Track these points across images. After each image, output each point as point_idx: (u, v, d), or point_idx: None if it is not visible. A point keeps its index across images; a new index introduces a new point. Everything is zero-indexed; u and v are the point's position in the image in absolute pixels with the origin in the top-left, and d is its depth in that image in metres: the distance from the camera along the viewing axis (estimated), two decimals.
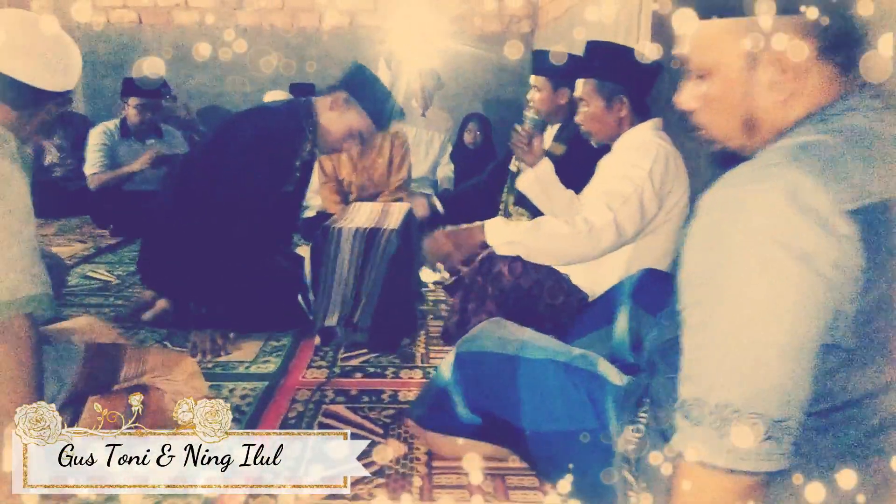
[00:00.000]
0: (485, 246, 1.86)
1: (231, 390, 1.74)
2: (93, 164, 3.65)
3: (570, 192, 2.01)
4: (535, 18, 4.74)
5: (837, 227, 0.69)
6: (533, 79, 2.46)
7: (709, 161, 1.99)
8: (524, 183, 2.07)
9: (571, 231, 1.72)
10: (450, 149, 4.08)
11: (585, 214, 1.74)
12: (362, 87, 2.07)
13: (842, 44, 0.80)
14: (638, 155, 1.78)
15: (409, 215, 2.38)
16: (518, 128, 2.08)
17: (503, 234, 1.82)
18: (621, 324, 1.34)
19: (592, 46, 1.96)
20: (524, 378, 1.06)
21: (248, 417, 1.59)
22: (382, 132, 2.96)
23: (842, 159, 0.73)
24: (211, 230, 1.94)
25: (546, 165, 2.01)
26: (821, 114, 0.80)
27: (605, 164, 1.96)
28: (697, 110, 0.89)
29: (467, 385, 1.13)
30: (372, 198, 3.37)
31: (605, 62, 1.86)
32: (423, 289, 2.67)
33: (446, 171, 4.08)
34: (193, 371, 1.42)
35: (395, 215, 2.29)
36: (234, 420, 1.56)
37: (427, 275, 2.73)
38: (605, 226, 1.70)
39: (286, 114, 2.10)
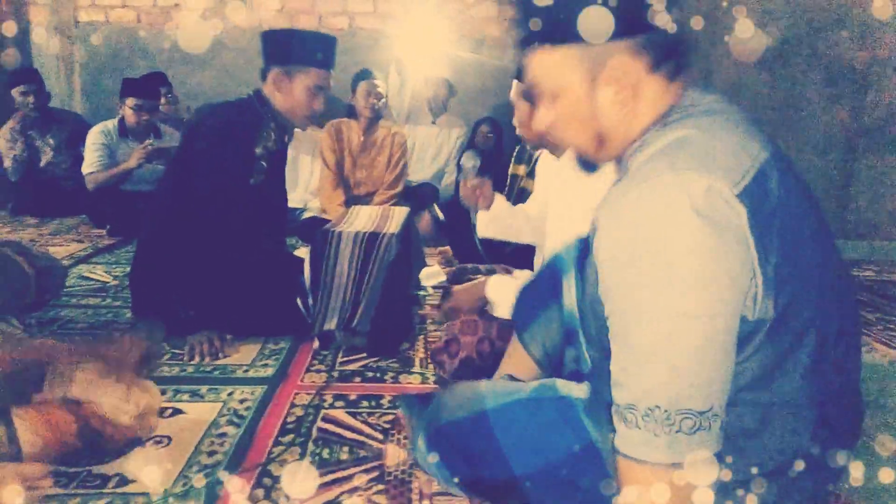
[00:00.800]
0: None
1: (230, 394, 1.73)
2: (90, 163, 3.64)
3: (524, 211, 2.12)
4: None
5: (732, 215, 0.75)
6: (515, 91, 1.97)
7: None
8: (483, 229, 2.17)
9: None
10: (458, 157, 4.11)
11: None
12: (288, 51, 2.03)
13: (670, 55, 0.87)
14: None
15: (409, 219, 2.39)
16: (464, 183, 2.14)
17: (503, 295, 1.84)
18: (569, 295, 1.28)
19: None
20: (498, 428, 1.03)
21: (247, 422, 1.58)
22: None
23: (710, 148, 0.79)
24: (191, 230, 1.96)
25: (498, 204, 2.11)
26: (663, 119, 0.87)
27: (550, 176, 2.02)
28: (552, 130, 0.95)
29: (448, 461, 1.09)
30: (370, 194, 3.46)
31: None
32: (422, 293, 2.67)
33: (451, 179, 4.10)
34: (149, 408, 1.43)
35: (394, 219, 2.29)
36: (233, 425, 1.57)
37: (426, 279, 2.74)
38: None
39: (240, 106, 2.10)
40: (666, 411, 0.75)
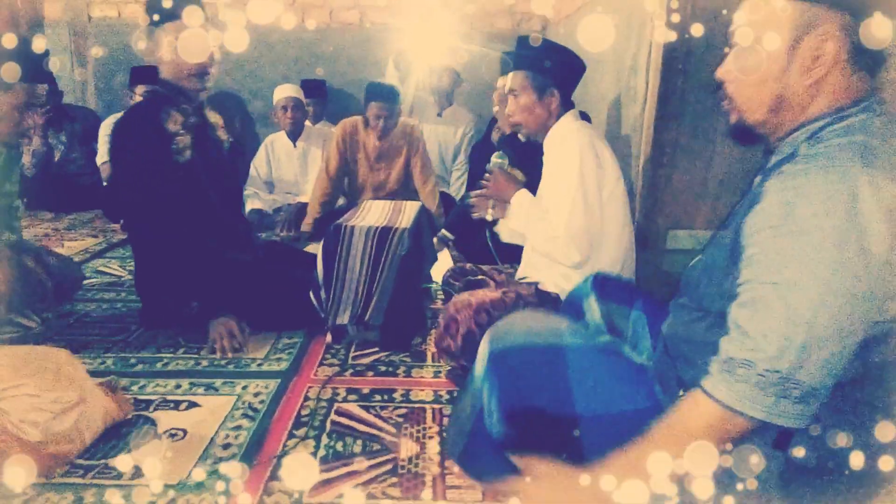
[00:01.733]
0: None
1: (244, 387, 1.74)
2: (104, 154, 3.68)
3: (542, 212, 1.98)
4: (545, 17, 4.72)
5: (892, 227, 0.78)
6: (511, 79, 1.96)
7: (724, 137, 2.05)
8: (508, 236, 2.10)
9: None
10: (468, 150, 3.99)
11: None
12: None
13: (869, 51, 0.88)
14: (566, 157, 1.83)
15: (421, 214, 2.39)
16: (488, 176, 2.01)
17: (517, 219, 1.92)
18: (593, 311, 1.36)
19: (522, 39, 1.97)
20: (573, 365, 1.05)
21: (262, 415, 1.60)
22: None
23: (891, 160, 0.81)
24: (152, 223, 1.99)
25: (518, 197, 1.95)
26: (837, 112, 0.89)
27: (548, 174, 1.97)
28: (731, 81, 0.97)
29: (504, 385, 1.07)
30: (389, 197, 3.22)
31: (538, 54, 1.91)
32: (433, 286, 2.67)
33: (457, 175, 4.02)
34: (89, 416, 1.35)
35: (407, 214, 2.30)
36: (247, 418, 1.58)
37: (438, 274, 2.74)
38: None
39: (147, 96, 2.13)
40: (784, 377, 0.81)
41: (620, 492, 0.89)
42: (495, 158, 2.09)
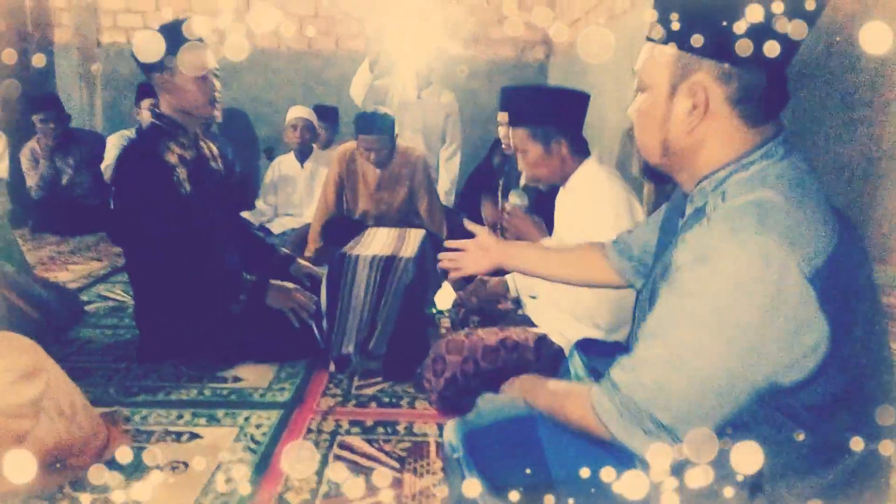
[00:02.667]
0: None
1: (246, 419, 1.73)
2: (109, 160, 3.72)
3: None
4: (549, 45, 4.78)
5: (799, 295, 0.79)
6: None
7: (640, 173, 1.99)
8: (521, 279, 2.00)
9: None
10: (454, 132, 3.88)
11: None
12: (156, 50, 1.97)
13: (753, 98, 0.87)
14: (600, 207, 1.74)
15: (425, 241, 2.39)
16: (507, 216, 1.95)
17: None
18: (577, 367, 1.33)
19: (509, 94, 1.87)
20: (544, 430, 1.04)
21: (264, 448, 1.58)
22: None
23: (794, 222, 0.82)
24: (157, 255, 2.00)
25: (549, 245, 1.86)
26: (738, 160, 0.89)
27: (573, 221, 1.86)
28: (634, 123, 1.00)
29: (483, 464, 1.06)
30: (393, 224, 3.09)
31: (531, 107, 1.80)
32: (437, 313, 2.66)
33: (451, 167, 3.86)
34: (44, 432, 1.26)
35: (411, 242, 2.30)
36: (249, 451, 1.57)
37: (441, 301, 2.73)
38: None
39: (145, 130, 2.14)
40: (639, 408, 0.85)
41: (620, 483, 0.89)
42: (514, 199, 2.00)
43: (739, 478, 0.85)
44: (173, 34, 1.97)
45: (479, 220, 3.18)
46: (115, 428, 1.53)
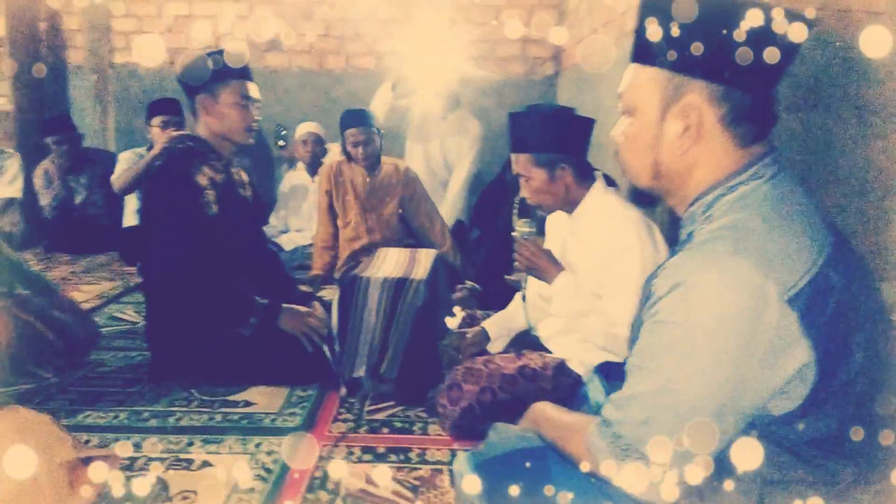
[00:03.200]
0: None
1: (257, 445, 1.72)
2: (118, 172, 3.74)
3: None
4: (559, 61, 4.78)
5: (778, 319, 0.78)
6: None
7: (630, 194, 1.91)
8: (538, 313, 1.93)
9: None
10: (469, 178, 3.81)
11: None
12: (205, 74, 2.05)
13: (748, 120, 0.87)
14: (620, 235, 1.69)
15: (437, 262, 2.37)
16: (518, 250, 1.86)
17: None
18: (596, 391, 1.30)
19: (512, 118, 1.81)
20: (554, 463, 1.02)
21: (275, 476, 1.56)
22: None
23: (771, 245, 0.81)
24: (178, 272, 2.01)
25: (561, 279, 1.77)
26: (727, 182, 0.88)
27: (591, 252, 1.79)
28: (619, 144, 0.98)
29: (494, 497, 1.04)
30: (387, 241, 3.05)
31: (534, 132, 1.75)
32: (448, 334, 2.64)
33: (454, 185, 3.75)
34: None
35: (422, 264, 2.28)
36: (259, 479, 1.55)
37: (452, 322, 2.71)
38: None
39: (178, 150, 2.18)
40: (627, 445, 0.85)
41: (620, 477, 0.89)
42: (523, 227, 1.92)
43: None
44: (222, 60, 2.04)
45: (491, 234, 3.18)
46: (78, 474, 1.40)
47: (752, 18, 0.82)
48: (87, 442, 1.72)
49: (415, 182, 3.21)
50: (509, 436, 1.13)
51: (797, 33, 0.83)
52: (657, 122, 0.90)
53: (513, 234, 1.89)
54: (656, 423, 0.83)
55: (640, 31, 0.90)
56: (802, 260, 0.80)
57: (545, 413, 1.10)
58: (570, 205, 1.80)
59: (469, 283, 2.86)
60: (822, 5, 2.58)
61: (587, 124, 1.81)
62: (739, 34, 0.82)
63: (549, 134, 1.75)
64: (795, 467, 0.85)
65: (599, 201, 1.77)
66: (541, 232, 1.98)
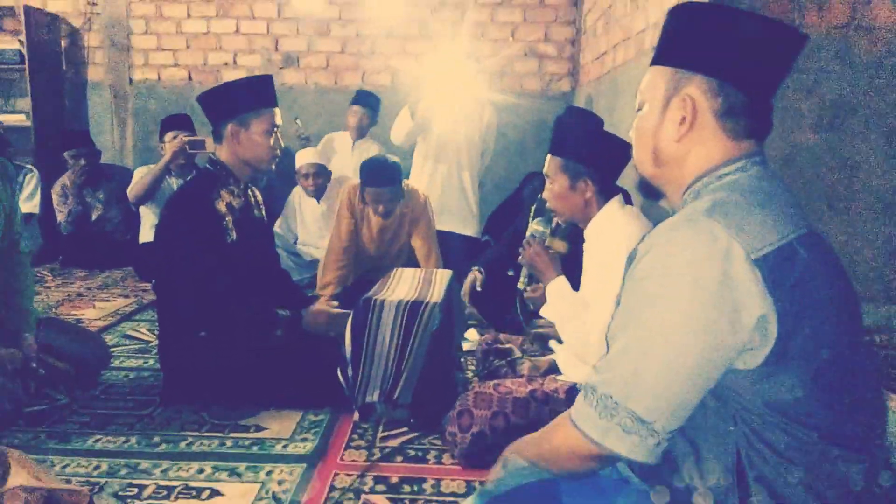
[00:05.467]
0: None
1: (268, 473, 1.68)
2: (133, 183, 3.75)
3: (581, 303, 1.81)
4: (576, 77, 4.75)
5: (744, 273, 0.83)
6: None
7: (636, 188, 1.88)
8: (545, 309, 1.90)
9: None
10: (490, 148, 3.83)
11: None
12: (236, 103, 2.07)
13: (742, 114, 0.94)
14: (613, 253, 1.67)
15: (452, 283, 2.34)
16: (524, 246, 1.90)
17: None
18: None
19: (559, 118, 1.85)
20: (566, 495, 1.01)
21: None
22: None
23: (744, 214, 0.87)
24: (192, 296, 2.04)
25: (555, 284, 1.82)
26: (716, 171, 0.95)
27: (589, 269, 1.83)
28: (633, 140, 1.07)
29: None
30: (394, 264, 3.01)
31: (570, 138, 1.77)
32: (463, 355, 2.60)
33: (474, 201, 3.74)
34: None
35: (437, 286, 2.25)
36: None
37: (466, 343, 2.67)
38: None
39: (198, 175, 2.22)
40: (616, 403, 0.87)
41: None
42: (535, 225, 1.97)
43: None
44: (253, 90, 2.08)
45: (501, 238, 3.12)
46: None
47: (748, 25, 0.93)
48: (96, 468, 1.70)
49: (424, 215, 3.16)
50: (519, 467, 1.10)
51: (788, 44, 0.94)
52: (660, 111, 0.99)
53: (527, 232, 1.92)
54: (641, 375, 0.86)
55: (661, 39, 1.02)
56: (770, 231, 0.86)
57: (521, 440, 1.11)
58: (586, 220, 1.82)
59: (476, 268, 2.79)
60: (846, 21, 2.53)
61: (623, 148, 1.75)
62: (735, 36, 0.93)
63: (582, 145, 1.77)
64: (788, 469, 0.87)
65: (608, 217, 1.78)
66: (553, 233, 2.02)
